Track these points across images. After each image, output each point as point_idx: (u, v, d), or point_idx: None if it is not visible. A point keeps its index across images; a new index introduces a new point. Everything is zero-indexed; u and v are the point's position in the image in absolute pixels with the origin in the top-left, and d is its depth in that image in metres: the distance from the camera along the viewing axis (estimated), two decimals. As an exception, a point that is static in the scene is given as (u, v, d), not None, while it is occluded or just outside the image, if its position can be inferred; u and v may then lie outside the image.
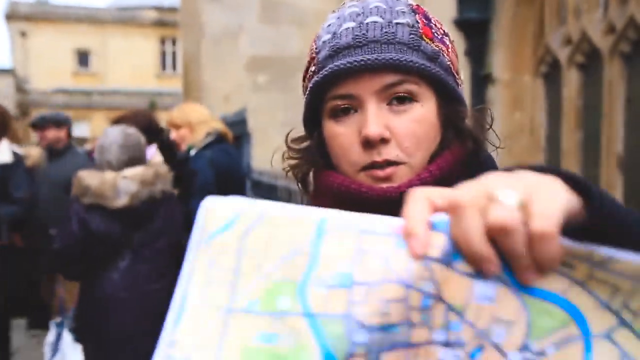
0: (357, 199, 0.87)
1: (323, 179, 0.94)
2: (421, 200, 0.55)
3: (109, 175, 2.82)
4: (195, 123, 3.56)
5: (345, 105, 0.89)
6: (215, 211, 0.60)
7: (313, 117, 0.96)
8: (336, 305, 0.54)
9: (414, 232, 0.53)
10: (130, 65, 31.26)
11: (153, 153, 3.72)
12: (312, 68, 0.94)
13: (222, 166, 3.40)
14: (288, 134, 1.02)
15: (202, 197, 2.41)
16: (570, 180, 0.56)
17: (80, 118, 28.72)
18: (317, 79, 0.90)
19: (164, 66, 32.48)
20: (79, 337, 3.01)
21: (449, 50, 0.94)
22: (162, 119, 4.91)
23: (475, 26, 5.67)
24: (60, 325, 3.15)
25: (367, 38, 0.87)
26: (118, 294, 2.82)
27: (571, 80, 5.56)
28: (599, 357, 0.54)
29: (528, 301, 0.53)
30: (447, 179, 0.88)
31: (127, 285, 2.84)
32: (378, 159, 0.87)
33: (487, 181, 0.54)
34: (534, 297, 0.54)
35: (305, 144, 1.00)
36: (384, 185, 0.87)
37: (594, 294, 0.54)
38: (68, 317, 3.17)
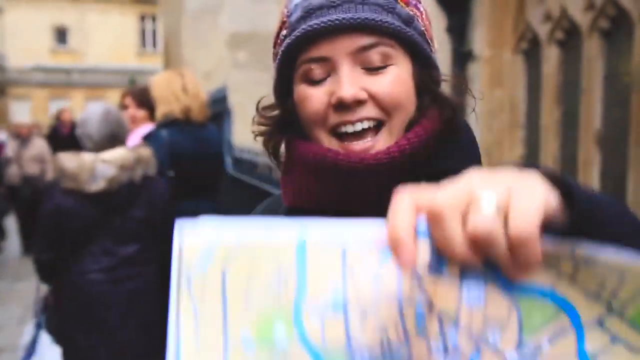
0: (332, 168, 0.84)
1: (296, 148, 0.90)
2: (405, 206, 0.53)
3: (88, 157, 2.73)
4: (157, 98, 3.38)
5: (319, 76, 0.85)
6: (190, 246, 0.56)
7: (284, 85, 0.92)
8: (335, 335, 0.53)
9: (401, 242, 0.51)
10: (109, 42, 30.75)
11: (148, 130, 3.65)
12: (284, 32, 0.89)
13: (179, 147, 3.26)
14: (259, 102, 0.97)
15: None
16: (551, 177, 0.56)
17: (59, 96, 28.27)
18: (289, 41, 0.86)
19: (144, 43, 32.01)
20: (56, 338, 2.87)
21: (423, 16, 0.91)
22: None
23: (456, 2, 5.64)
24: (38, 326, 3.01)
25: None
26: (91, 277, 2.75)
27: (551, 57, 5.58)
28: (591, 345, 0.53)
29: (517, 298, 0.54)
30: (424, 147, 0.86)
31: (101, 268, 2.77)
32: (351, 118, 0.84)
33: (468, 181, 0.53)
34: (523, 293, 0.54)
35: (275, 112, 0.96)
36: (362, 153, 0.84)
37: (581, 286, 0.53)
38: (45, 316, 3.01)
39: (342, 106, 0.84)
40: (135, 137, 3.34)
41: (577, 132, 5.30)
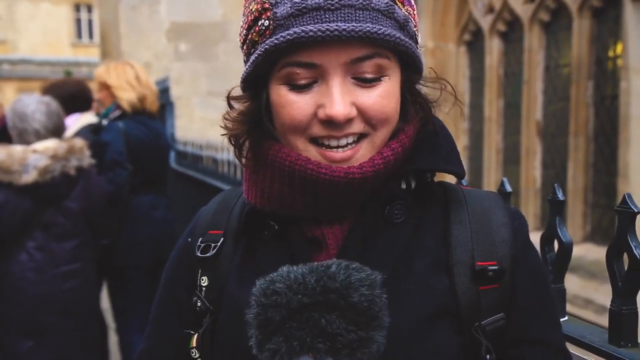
0: (313, 181, 0.80)
1: (270, 152, 0.83)
2: None
3: (18, 148, 2.62)
4: (115, 88, 3.31)
5: (304, 81, 0.79)
6: None
7: (257, 76, 0.83)
8: None
9: None
10: (42, 33, 29.56)
11: (74, 120, 3.52)
12: (266, 22, 0.79)
13: (136, 138, 3.22)
14: (230, 91, 0.89)
15: (113, 170, 2.26)
16: None
17: (-11, 89, 27.02)
18: (276, 41, 0.77)
19: (79, 34, 30.94)
20: None
21: (414, 12, 0.86)
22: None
23: (400, -6, 5.65)
24: None
25: (340, 0, 0.76)
26: (26, 275, 2.63)
27: (493, 49, 5.66)
28: None
29: None
30: (406, 152, 0.85)
31: (37, 266, 2.65)
32: (337, 134, 0.80)
33: None
34: None
35: (245, 105, 0.87)
36: (345, 165, 0.80)
37: None
38: None
39: (330, 123, 0.79)
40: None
41: (519, 123, 5.40)
